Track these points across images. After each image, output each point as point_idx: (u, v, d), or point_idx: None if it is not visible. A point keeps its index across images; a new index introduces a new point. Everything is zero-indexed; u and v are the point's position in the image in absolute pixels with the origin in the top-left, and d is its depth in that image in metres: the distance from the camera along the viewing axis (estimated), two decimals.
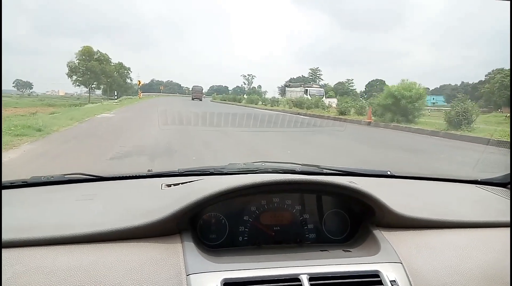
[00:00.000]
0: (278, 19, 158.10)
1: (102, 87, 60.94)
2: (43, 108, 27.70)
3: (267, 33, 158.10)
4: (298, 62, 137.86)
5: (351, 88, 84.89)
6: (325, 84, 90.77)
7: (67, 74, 52.72)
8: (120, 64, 62.54)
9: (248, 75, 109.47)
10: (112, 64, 58.54)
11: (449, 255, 1.08)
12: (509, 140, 8.41)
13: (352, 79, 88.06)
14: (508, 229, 1.21)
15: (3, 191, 1.30)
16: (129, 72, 65.17)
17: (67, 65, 52.51)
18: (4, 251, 0.90)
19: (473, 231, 1.22)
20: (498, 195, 1.56)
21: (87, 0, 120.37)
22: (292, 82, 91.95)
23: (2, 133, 7.46)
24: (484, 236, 1.19)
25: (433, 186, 1.72)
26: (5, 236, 0.94)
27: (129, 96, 43.76)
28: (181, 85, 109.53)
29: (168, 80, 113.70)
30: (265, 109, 25.12)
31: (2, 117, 8.89)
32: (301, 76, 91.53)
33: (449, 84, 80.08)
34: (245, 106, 32.51)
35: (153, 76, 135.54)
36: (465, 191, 1.67)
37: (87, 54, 52.34)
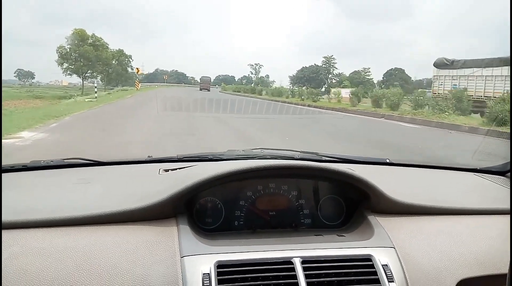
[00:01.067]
0: (284, 8, 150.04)
1: (99, 76, 53.75)
2: (28, 101, 21.94)
3: (273, 23, 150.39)
4: (304, 51, 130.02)
5: (367, 77, 78.07)
6: (339, 73, 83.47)
7: (56, 61, 45.03)
8: (120, 51, 55.11)
9: (256, 64, 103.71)
10: (110, 50, 50.92)
11: (443, 241, 1.07)
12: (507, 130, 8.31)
13: (369, 68, 79.89)
14: (504, 216, 1.21)
15: (3, 174, 1.31)
16: (130, 60, 57.70)
17: (57, 51, 44.76)
18: (2, 232, 0.90)
19: (468, 218, 1.21)
20: (496, 183, 1.53)
21: None
22: (305, 71, 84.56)
23: None
24: (479, 223, 1.18)
25: (431, 174, 1.69)
26: (4, 218, 0.94)
27: (124, 87, 35.79)
28: (186, 75, 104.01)
29: (173, 70, 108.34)
30: (315, 107, 17.23)
31: None
32: (314, 65, 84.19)
33: None
34: (272, 100, 24.57)
35: (158, 65, 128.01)
36: (463, 179, 1.65)
37: (79, 38, 44.56)
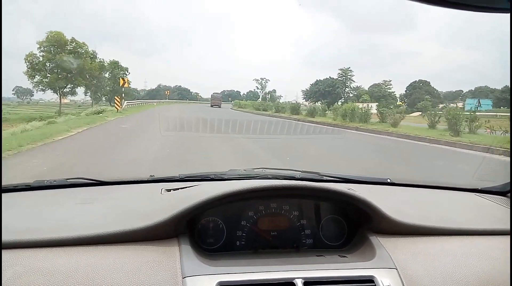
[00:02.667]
0: (287, 23, 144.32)
1: (89, 92, 43.21)
2: None
3: (277, 36, 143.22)
4: (310, 65, 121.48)
5: (389, 91, 67.66)
6: (357, 86, 73.70)
7: (25, 73, 33.89)
8: (115, 62, 44.61)
9: (262, 78, 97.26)
10: (100, 60, 39.94)
11: (445, 262, 1.04)
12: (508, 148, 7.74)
13: (390, 81, 70.41)
14: (505, 237, 1.17)
15: (7, 194, 1.32)
16: (127, 73, 46.84)
17: (26, 59, 33.72)
18: (4, 252, 0.89)
19: (471, 238, 1.18)
20: (497, 204, 1.49)
21: (93, 7, 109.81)
22: (320, 85, 75.28)
23: None
24: (481, 244, 1.15)
25: (432, 194, 1.63)
26: (7, 238, 0.92)
27: (98, 109, 24.04)
28: (190, 91, 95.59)
29: (176, 85, 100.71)
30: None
31: None
32: (329, 77, 74.53)
33: (486, 86, 63.01)
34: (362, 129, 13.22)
35: (160, 81, 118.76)
36: (464, 199, 1.59)
37: (55, 43, 33.69)
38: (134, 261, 0.91)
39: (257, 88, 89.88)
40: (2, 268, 0.85)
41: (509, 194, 1.53)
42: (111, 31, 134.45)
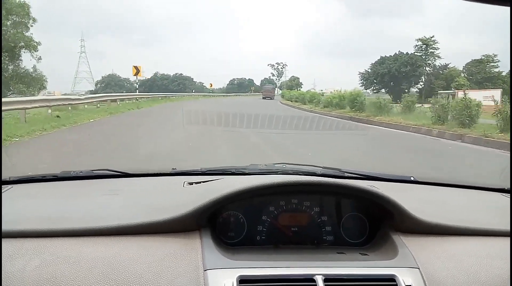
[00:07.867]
0: (294, 5, 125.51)
1: None
2: None
3: (286, 21, 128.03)
4: (323, 50, 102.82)
5: (495, 69, 39.72)
6: (445, 64, 45.42)
7: None
8: None
9: (278, 63, 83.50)
10: None
11: (469, 262, 0.99)
12: None
13: (496, 55, 42.43)
14: None
15: (35, 184, 1.35)
16: (30, 21, 13.90)
17: None
18: (33, 240, 0.90)
19: (496, 239, 1.11)
20: None
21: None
22: (390, 63, 44.19)
23: None
24: (507, 246, 1.06)
25: (457, 193, 1.56)
26: (34, 226, 0.94)
27: None
28: (194, 80, 75.19)
29: (176, 73, 74.93)
30: None
31: None
32: (399, 52, 44.46)
33: None
34: None
35: (158, 70, 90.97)
36: (490, 199, 1.50)
37: None
38: (157, 252, 0.91)
39: (273, 75, 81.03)
40: (30, 256, 0.85)
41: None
42: (105, 18, 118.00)
